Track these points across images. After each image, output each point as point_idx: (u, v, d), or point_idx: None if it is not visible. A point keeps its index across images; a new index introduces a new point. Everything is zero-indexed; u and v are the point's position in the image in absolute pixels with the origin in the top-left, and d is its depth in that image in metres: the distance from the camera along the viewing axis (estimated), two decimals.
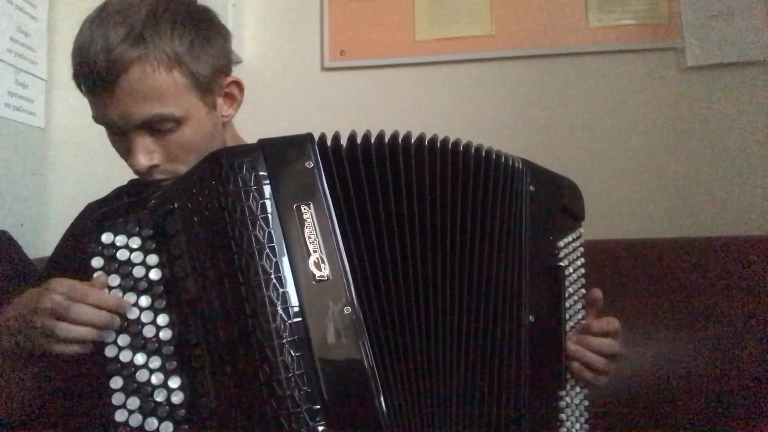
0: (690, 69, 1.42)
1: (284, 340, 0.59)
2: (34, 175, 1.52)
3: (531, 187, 0.78)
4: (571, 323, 0.79)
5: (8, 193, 1.43)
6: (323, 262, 0.62)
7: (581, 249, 0.83)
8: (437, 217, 0.71)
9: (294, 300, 0.60)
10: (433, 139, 0.74)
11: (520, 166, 0.79)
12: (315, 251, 0.62)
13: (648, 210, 1.42)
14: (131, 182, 0.97)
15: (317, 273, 0.62)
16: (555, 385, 0.76)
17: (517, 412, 0.72)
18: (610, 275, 1.17)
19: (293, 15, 1.58)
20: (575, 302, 0.81)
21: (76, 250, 0.82)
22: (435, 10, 1.52)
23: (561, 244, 0.81)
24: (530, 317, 0.74)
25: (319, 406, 0.59)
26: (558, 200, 0.82)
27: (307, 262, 0.62)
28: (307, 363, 0.59)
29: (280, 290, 0.60)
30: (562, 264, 0.79)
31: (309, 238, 0.62)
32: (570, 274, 0.80)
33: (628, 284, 1.18)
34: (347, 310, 0.62)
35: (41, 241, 1.50)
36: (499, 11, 1.50)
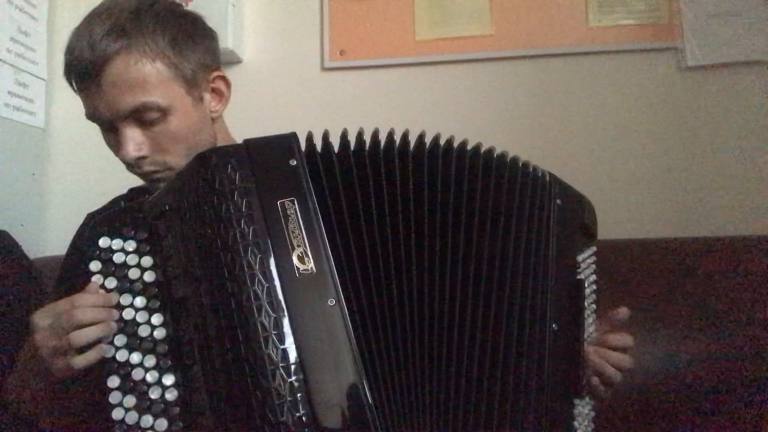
0: (690, 69, 1.42)
1: (269, 334, 0.60)
2: (34, 175, 1.52)
3: (558, 201, 0.80)
4: (584, 335, 0.80)
5: (8, 193, 1.43)
6: (307, 255, 0.63)
7: (594, 266, 0.85)
8: (440, 218, 0.71)
9: (278, 294, 0.62)
10: (436, 139, 0.74)
11: (549, 179, 0.80)
12: (299, 245, 0.63)
13: (648, 210, 1.41)
14: (131, 191, 0.97)
15: (301, 266, 0.63)
16: (573, 393, 0.77)
17: (538, 417, 0.72)
18: (610, 275, 1.17)
19: (293, 15, 1.58)
20: (588, 316, 0.82)
21: (80, 262, 0.84)
22: (435, 10, 1.52)
23: (579, 259, 0.82)
24: (554, 325, 0.75)
25: (301, 394, 0.59)
26: (579, 216, 0.84)
27: (291, 256, 0.63)
28: (291, 355, 0.60)
29: (265, 285, 0.61)
30: (581, 277, 0.81)
31: (293, 232, 0.64)
32: (584, 288, 0.81)
33: (627, 284, 1.18)
34: (331, 302, 0.63)
35: (41, 241, 1.50)
36: (499, 11, 1.50)
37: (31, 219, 1.50)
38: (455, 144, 0.75)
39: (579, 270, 0.81)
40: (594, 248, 0.86)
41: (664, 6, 1.44)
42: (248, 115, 1.53)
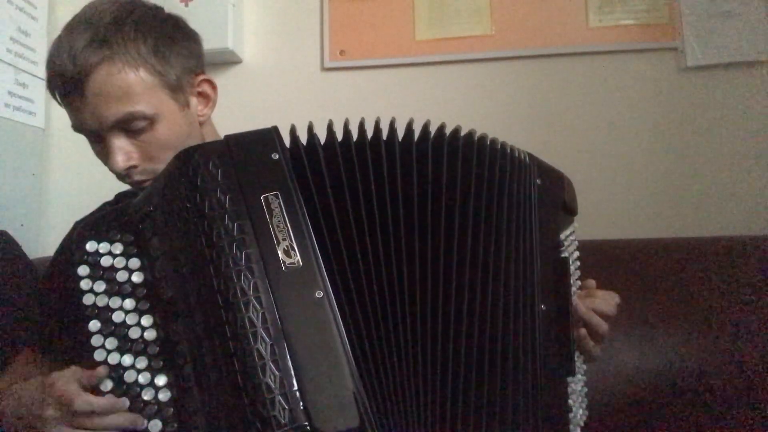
0: (690, 69, 1.42)
1: (257, 329, 0.60)
2: (34, 175, 1.52)
3: (538, 181, 0.79)
4: (572, 313, 0.80)
5: (8, 193, 1.43)
6: (293, 249, 0.63)
7: (576, 242, 0.85)
8: (431, 206, 0.71)
9: (266, 288, 0.61)
10: (426, 127, 0.74)
11: (527, 159, 0.80)
12: (284, 239, 0.63)
13: (648, 210, 1.41)
14: (118, 196, 0.97)
15: (287, 260, 0.63)
16: (565, 372, 0.77)
17: (534, 399, 0.72)
18: (609, 275, 1.17)
19: (293, 15, 1.58)
20: (573, 293, 0.82)
21: (67, 268, 0.83)
22: (435, 10, 1.52)
23: (562, 236, 0.82)
24: (542, 306, 0.75)
25: (293, 387, 0.59)
26: (559, 195, 0.83)
27: (276, 250, 0.63)
28: (280, 349, 0.60)
29: (251, 280, 0.61)
30: (565, 255, 0.81)
31: (278, 226, 0.63)
32: (570, 266, 0.81)
33: (627, 284, 1.17)
34: (319, 294, 0.62)
35: (41, 241, 1.51)
36: (499, 11, 1.50)
37: (31, 219, 1.50)
38: (447, 131, 0.74)
39: (562, 248, 0.81)
40: (575, 225, 0.86)
41: (664, 6, 1.44)
42: (248, 115, 1.54)
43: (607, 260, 1.20)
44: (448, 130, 0.75)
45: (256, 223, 0.63)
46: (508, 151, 0.78)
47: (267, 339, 0.60)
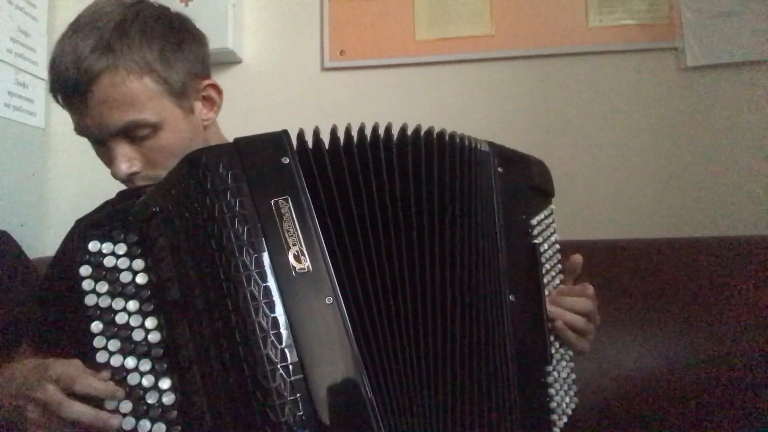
0: (690, 69, 1.42)
1: (267, 334, 0.60)
2: (34, 175, 1.53)
3: (499, 169, 0.79)
4: (545, 300, 0.79)
5: (8, 193, 1.43)
6: (303, 254, 0.63)
7: (554, 225, 0.84)
8: (426, 207, 0.71)
9: (275, 294, 0.61)
10: (417, 131, 0.74)
11: (486, 149, 0.80)
12: (294, 244, 0.63)
13: (648, 210, 1.41)
14: (120, 194, 0.97)
15: (297, 266, 0.62)
16: (542, 361, 0.77)
17: (508, 393, 0.72)
18: (608, 275, 1.17)
19: (293, 15, 1.59)
20: (553, 278, 0.82)
21: (68, 269, 0.83)
22: (435, 10, 1.52)
23: (534, 222, 0.82)
24: (510, 297, 0.75)
25: (302, 394, 0.59)
26: (527, 179, 0.83)
27: (286, 255, 0.62)
28: (290, 355, 0.60)
29: (261, 285, 0.61)
30: (537, 241, 0.80)
31: (288, 231, 0.63)
32: (545, 250, 0.81)
33: (626, 284, 1.18)
34: (329, 300, 0.62)
35: (41, 241, 1.51)
36: (499, 11, 1.50)
37: (31, 219, 1.50)
38: (409, 133, 0.74)
39: (535, 233, 0.81)
40: (552, 207, 0.85)
41: (664, 6, 1.44)
42: (248, 115, 1.54)
43: (608, 260, 1.20)
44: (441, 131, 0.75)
45: (266, 227, 0.63)
46: (466, 143, 0.77)
47: (277, 344, 0.60)
